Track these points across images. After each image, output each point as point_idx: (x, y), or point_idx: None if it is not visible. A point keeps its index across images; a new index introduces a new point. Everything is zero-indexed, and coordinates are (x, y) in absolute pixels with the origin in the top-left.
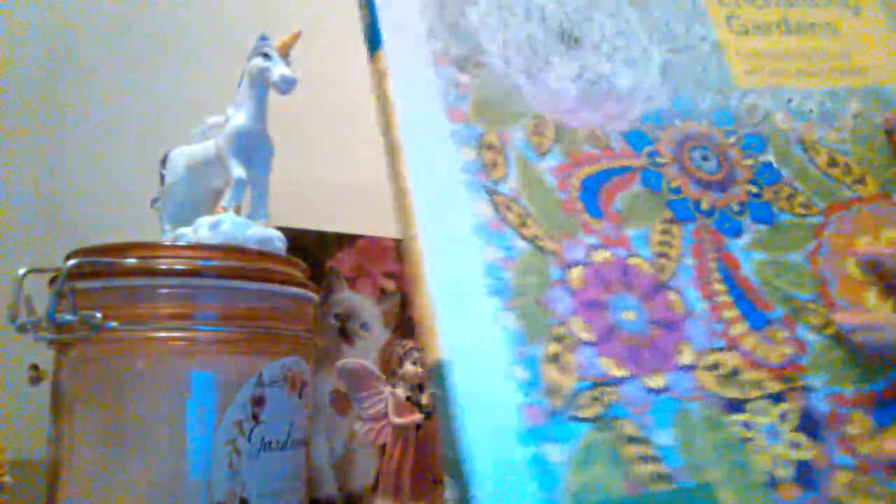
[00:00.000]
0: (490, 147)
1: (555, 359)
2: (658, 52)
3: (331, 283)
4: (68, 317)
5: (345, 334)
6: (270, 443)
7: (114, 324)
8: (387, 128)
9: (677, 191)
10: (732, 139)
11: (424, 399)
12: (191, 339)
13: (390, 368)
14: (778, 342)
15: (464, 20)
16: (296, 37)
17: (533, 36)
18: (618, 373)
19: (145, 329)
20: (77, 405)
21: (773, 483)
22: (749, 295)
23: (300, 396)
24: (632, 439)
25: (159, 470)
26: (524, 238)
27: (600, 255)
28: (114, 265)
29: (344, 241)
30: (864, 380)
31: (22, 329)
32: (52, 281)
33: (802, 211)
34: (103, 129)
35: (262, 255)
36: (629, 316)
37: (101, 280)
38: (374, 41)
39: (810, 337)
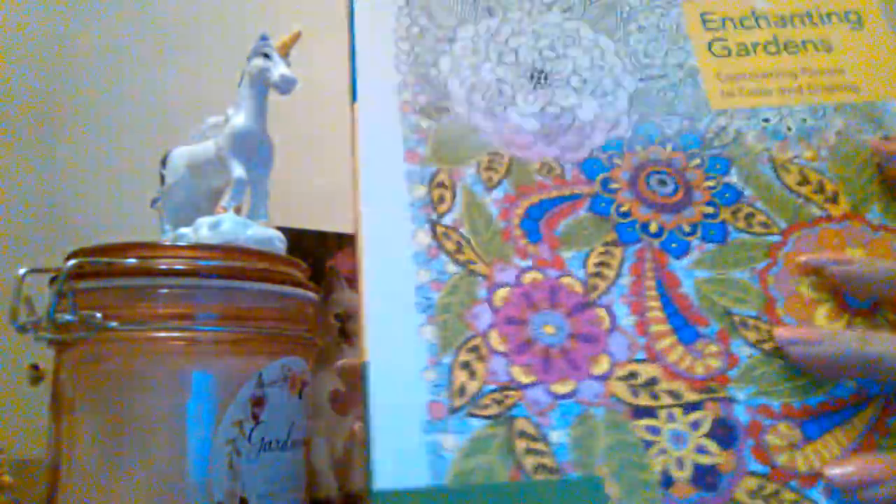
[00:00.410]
0: (440, 185)
1: (465, 366)
2: (630, 82)
3: (331, 283)
4: (68, 317)
5: (345, 334)
6: (270, 443)
7: (114, 324)
8: (353, 170)
9: (626, 214)
10: (696, 161)
11: None
12: (191, 339)
13: None
14: (706, 356)
15: (435, 70)
16: (296, 37)
17: (502, 78)
18: (525, 380)
19: (145, 329)
20: (77, 405)
21: (668, 482)
22: (684, 312)
23: (300, 396)
24: (525, 435)
25: (159, 470)
26: (457, 263)
27: (530, 276)
28: (114, 265)
29: (344, 241)
30: (798, 394)
31: (22, 329)
32: (53, 281)
33: (761, 230)
34: (103, 129)
35: (262, 255)
36: (549, 330)
37: (101, 280)
38: (353, 94)
39: (745, 351)
